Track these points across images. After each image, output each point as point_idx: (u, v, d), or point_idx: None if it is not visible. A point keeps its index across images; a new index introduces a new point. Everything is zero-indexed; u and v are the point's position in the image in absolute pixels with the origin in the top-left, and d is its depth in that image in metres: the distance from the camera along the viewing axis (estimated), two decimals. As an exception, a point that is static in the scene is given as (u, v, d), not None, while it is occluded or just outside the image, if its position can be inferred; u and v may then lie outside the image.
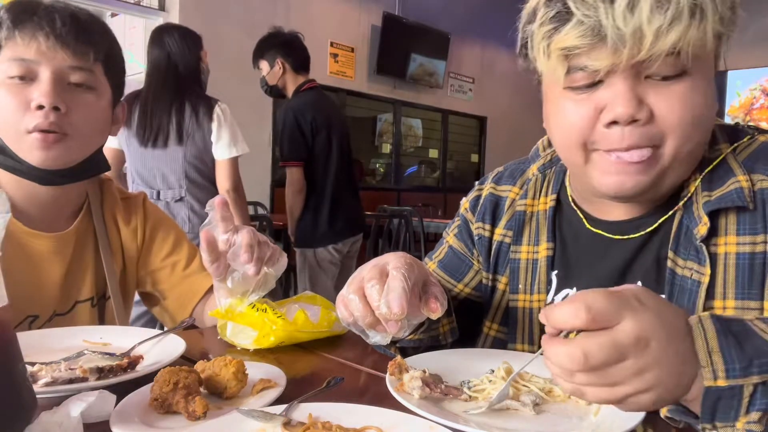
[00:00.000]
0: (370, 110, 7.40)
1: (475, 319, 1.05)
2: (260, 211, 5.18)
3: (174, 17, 5.16)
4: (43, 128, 1.02)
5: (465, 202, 1.09)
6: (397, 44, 6.86)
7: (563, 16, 0.70)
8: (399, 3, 6.95)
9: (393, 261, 0.73)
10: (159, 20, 5.14)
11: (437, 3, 7.21)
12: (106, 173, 1.26)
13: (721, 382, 0.57)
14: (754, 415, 0.57)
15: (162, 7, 5.22)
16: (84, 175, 1.15)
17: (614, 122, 0.73)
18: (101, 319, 1.23)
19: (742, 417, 0.58)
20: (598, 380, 0.55)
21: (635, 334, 0.53)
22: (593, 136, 0.76)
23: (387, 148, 7.62)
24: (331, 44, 6.42)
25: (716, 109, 0.79)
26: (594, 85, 0.74)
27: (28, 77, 1.02)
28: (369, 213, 4.28)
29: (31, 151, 1.03)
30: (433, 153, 8.21)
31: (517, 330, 0.96)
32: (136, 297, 1.35)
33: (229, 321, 1.00)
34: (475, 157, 8.72)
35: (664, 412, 0.66)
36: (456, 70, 7.78)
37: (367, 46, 6.79)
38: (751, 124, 0.92)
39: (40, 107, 1.01)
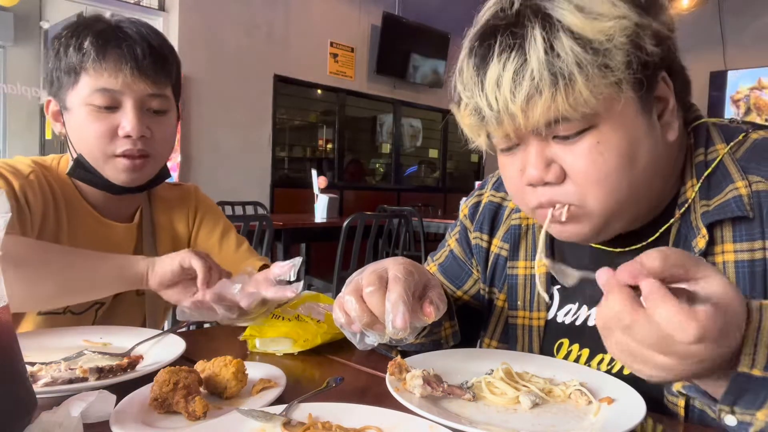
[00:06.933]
0: (370, 110, 7.39)
1: (477, 324, 1.04)
2: (260, 211, 5.18)
3: (174, 17, 5.16)
4: (131, 154, 1.13)
5: (464, 207, 1.08)
6: (397, 44, 6.85)
7: (458, 98, 0.77)
8: (399, 3, 6.95)
9: (392, 268, 0.72)
10: (159, 20, 5.14)
11: (437, 3, 7.21)
12: None
13: (757, 372, 0.57)
14: None
15: (162, 7, 5.21)
16: (152, 186, 1.25)
17: (531, 183, 0.76)
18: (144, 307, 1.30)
19: (765, 408, 0.57)
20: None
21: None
22: (524, 195, 0.78)
23: (387, 148, 7.61)
24: (331, 44, 6.42)
25: (657, 145, 0.74)
26: (515, 146, 0.77)
27: (112, 106, 1.11)
28: (369, 213, 4.27)
29: (117, 172, 1.14)
30: (433, 153, 8.20)
31: (517, 347, 0.95)
32: None
33: (260, 337, 0.98)
34: (475, 157, 8.71)
35: (678, 387, 0.66)
36: (456, 70, 7.78)
37: (367, 46, 6.78)
38: (746, 119, 0.89)
39: (128, 136, 1.11)
